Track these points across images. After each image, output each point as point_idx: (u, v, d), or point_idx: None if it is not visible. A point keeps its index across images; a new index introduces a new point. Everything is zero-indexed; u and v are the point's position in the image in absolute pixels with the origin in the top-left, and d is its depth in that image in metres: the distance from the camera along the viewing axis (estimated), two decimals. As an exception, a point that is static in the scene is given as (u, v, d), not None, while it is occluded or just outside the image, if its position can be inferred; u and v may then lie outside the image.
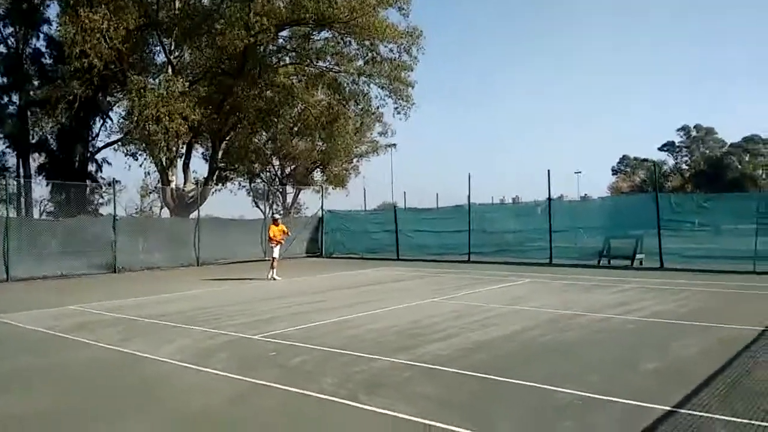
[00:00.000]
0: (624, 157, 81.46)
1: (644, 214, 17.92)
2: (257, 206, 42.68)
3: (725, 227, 18.65)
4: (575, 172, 68.39)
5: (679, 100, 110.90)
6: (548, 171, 19.88)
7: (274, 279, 15.86)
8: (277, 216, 18.62)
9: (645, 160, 75.69)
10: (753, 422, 4.32)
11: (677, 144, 79.49)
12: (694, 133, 78.26)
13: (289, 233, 17.62)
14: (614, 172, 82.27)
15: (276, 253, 16.40)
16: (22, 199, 28.02)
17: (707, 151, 76.08)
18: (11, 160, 30.40)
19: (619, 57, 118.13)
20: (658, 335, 7.78)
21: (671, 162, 79.57)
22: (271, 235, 16.50)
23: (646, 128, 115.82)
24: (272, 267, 16.28)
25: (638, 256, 17.53)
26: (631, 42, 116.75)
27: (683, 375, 5.67)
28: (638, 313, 9.42)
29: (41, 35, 29.57)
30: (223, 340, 7.82)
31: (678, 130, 79.10)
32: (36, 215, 29.84)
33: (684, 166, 78.04)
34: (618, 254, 18.04)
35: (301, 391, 5.31)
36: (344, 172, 38.57)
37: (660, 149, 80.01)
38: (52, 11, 29.21)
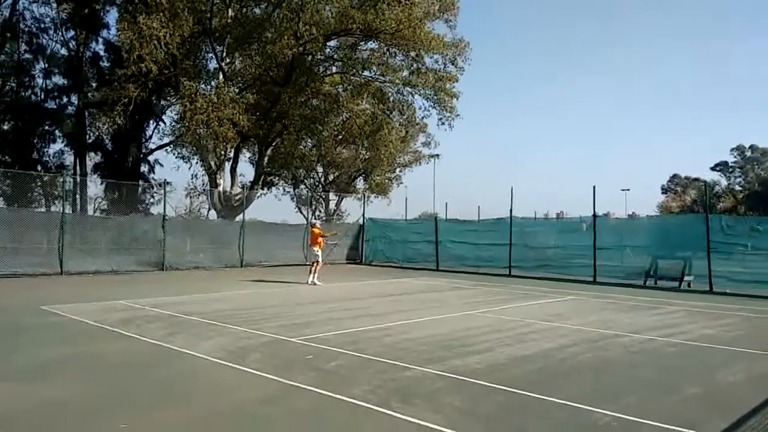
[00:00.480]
0: (674, 176, 79.18)
1: (694, 235, 17.35)
2: (300, 212, 43.31)
3: (779, 252, 17.87)
4: (622, 190, 66.73)
5: (734, 119, 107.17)
6: (593, 187, 19.55)
7: (315, 284, 15.96)
8: (315, 221, 18.68)
9: (696, 179, 73.32)
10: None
11: (731, 164, 76.78)
12: (749, 154, 75.48)
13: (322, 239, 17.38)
14: (664, 190, 80.00)
15: (319, 257, 16.56)
16: (78, 196, 29.24)
17: (762, 172, 73.13)
18: (69, 159, 31.83)
19: (675, 74, 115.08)
20: (702, 360, 7.52)
21: (724, 182, 76.86)
22: (315, 238, 16.80)
23: (699, 147, 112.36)
24: (313, 272, 16.31)
25: (687, 278, 16.96)
26: (689, 59, 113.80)
27: (727, 402, 5.48)
28: (683, 336, 9.12)
29: (100, 39, 30.99)
30: (261, 340, 7.97)
31: (732, 149, 76.40)
32: (90, 212, 31.06)
33: (737, 187, 75.18)
34: (665, 275, 17.49)
35: (333, 395, 5.37)
36: (387, 181, 38.73)
37: (712, 169, 77.44)
38: (112, 17, 30.58)
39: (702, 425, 4.73)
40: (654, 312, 12.01)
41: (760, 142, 74.91)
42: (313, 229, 17.29)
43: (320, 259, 16.57)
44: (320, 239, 16.86)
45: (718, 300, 14.43)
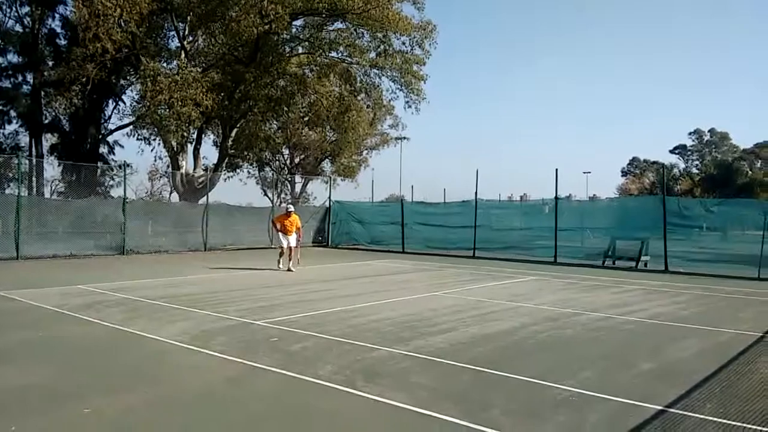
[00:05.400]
0: (634, 159, 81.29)
1: (651, 217, 17.86)
2: (266, 194, 42.90)
3: (732, 233, 18.56)
4: (584, 173, 68.29)
5: (695, 103, 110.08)
6: (556, 170, 19.92)
7: (279, 269, 15.28)
8: (291, 206, 17.01)
9: (655, 162, 75.38)
10: (746, 425, 4.36)
11: (689, 147, 79.11)
12: (707, 137, 77.84)
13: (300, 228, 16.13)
14: (624, 173, 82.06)
15: (284, 242, 15.52)
16: (34, 179, 28.30)
17: (719, 156, 75.61)
18: (24, 140, 30.67)
19: (636, 58, 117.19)
20: (656, 336, 7.81)
21: (681, 165, 79.21)
22: (282, 224, 15.67)
23: (659, 130, 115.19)
24: (288, 257, 15.44)
25: (643, 258, 17.48)
26: (649, 44, 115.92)
27: (678, 375, 5.72)
28: (639, 314, 9.44)
29: (57, 16, 29.74)
30: (225, 324, 7.93)
31: (690, 133, 78.70)
32: (47, 195, 30.14)
33: (694, 170, 77.59)
34: (623, 255, 17.99)
35: (299, 376, 5.41)
36: (354, 163, 38.65)
37: (671, 152, 79.78)
38: (70, -8, 29.31)
39: (654, 397, 4.93)
40: (612, 291, 12.37)
41: (718, 126, 77.38)
42: (294, 215, 15.90)
43: (284, 244, 15.50)
44: (295, 227, 15.73)
45: (673, 279, 14.94)
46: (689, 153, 79.49)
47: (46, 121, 30.05)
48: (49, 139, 31.12)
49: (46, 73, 28.87)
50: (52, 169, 32.82)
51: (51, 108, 29.61)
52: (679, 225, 17.57)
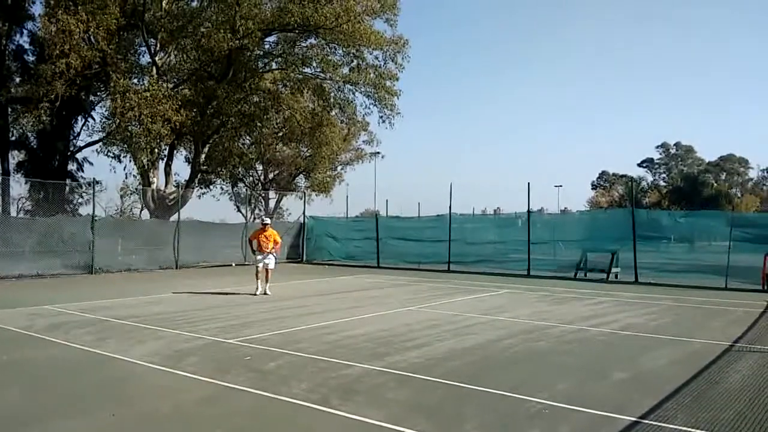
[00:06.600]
0: (603, 173, 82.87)
1: (621, 229, 18.18)
2: (239, 210, 42.55)
3: (699, 243, 18.98)
4: (555, 186, 69.35)
5: (662, 117, 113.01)
6: (528, 184, 20.18)
7: (255, 293, 13.46)
8: (267, 219, 15.31)
9: (623, 175, 77.00)
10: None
11: (656, 161, 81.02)
12: (673, 151, 79.83)
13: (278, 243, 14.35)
14: (594, 186, 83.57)
15: (260, 261, 13.65)
16: (-1, 197, 27.58)
17: (685, 169, 77.60)
18: (-11, 157, 29.89)
19: (605, 71, 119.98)
20: (628, 347, 7.91)
21: (649, 178, 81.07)
22: (258, 240, 13.86)
23: (627, 144, 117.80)
24: (264, 278, 13.68)
25: (614, 269, 17.77)
26: (618, 57, 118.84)
27: (650, 386, 5.79)
28: (611, 325, 9.56)
29: (25, 31, 29.19)
30: (198, 343, 7.79)
31: (657, 147, 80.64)
32: (13, 213, 29.32)
33: (662, 183, 79.44)
34: (594, 267, 18.26)
35: (273, 396, 5.33)
36: (328, 179, 38.58)
37: (639, 165, 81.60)
38: (38, 8, 28.91)
39: (628, 408, 4.99)
40: (584, 303, 12.52)
41: (683, 139, 79.51)
42: (270, 229, 14.13)
43: (261, 265, 13.63)
44: (273, 241, 13.88)
45: (643, 290, 15.17)
46: (657, 166, 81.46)
47: (13, 138, 29.35)
48: (16, 157, 30.38)
49: (13, 90, 28.24)
50: (19, 186, 32.12)
51: (18, 125, 28.96)
52: (648, 237, 17.93)
